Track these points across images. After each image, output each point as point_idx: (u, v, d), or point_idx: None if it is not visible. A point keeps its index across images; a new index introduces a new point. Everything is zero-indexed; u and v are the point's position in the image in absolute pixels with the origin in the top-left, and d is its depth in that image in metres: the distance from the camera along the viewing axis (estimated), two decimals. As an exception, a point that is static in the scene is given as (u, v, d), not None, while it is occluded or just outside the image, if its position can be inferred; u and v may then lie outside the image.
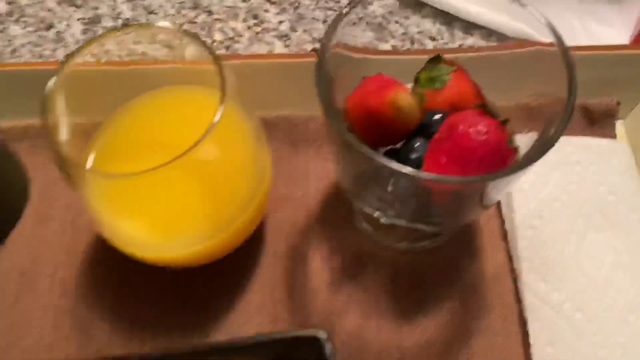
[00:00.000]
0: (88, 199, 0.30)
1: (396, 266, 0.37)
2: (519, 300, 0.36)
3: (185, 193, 0.31)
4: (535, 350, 0.34)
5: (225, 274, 0.37)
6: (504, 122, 0.29)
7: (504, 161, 0.28)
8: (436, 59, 0.33)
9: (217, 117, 0.28)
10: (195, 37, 0.29)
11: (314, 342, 0.28)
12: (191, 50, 0.30)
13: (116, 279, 0.37)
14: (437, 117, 0.31)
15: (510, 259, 0.37)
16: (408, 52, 0.41)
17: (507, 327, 0.35)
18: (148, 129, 0.33)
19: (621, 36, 0.45)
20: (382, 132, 0.31)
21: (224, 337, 0.35)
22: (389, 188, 0.28)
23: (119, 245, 0.32)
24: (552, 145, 0.26)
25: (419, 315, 0.36)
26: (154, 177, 0.27)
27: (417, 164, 0.31)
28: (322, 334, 0.27)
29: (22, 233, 0.39)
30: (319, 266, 0.37)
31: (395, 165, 0.25)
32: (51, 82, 0.29)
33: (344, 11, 0.31)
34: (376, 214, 0.32)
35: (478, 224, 0.38)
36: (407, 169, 0.25)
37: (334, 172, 0.40)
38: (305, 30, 0.49)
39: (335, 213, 0.39)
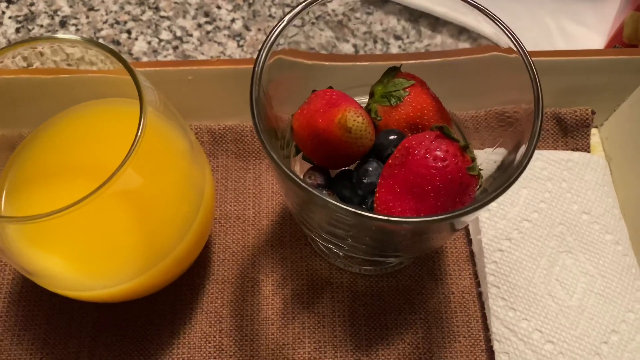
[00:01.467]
0: (4, 240, 0.27)
1: (354, 291, 0.34)
2: (486, 327, 0.33)
3: (111, 226, 0.27)
4: (502, 384, 0.31)
5: (166, 303, 0.34)
6: (465, 148, 0.26)
7: (465, 191, 0.25)
8: (392, 71, 0.30)
9: (137, 139, 0.24)
10: (105, 48, 0.26)
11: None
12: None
13: (45, 314, 0.33)
14: (392, 137, 0.28)
15: (477, 283, 0.34)
16: (365, 57, 0.38)
17: (473, 358, 0.33)
18: (69, 150, 0.29)
19: (597, 36, 0.42)
20: (332, 154, 0.28)
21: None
22: (338, 225, 0.25)
23: (46, 287, 0.29)
24: (517, 179, 0.23)
25: (379, 346, 0.33)
26: (74, 213, 0.24)
27: (370, 189, 0.28)
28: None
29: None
30: (271, 293, 0.34)
31: (337, 204, 0.22)
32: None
33: (287, 16, 0.28)
34: (329, 246, 0.29)
35: (443, 245, 0.36)
36: (352, 208, 0.22)
37: (289, 187, 0.37)
38: (260, 30, 0.45)
39: (290, 234, 0.36)
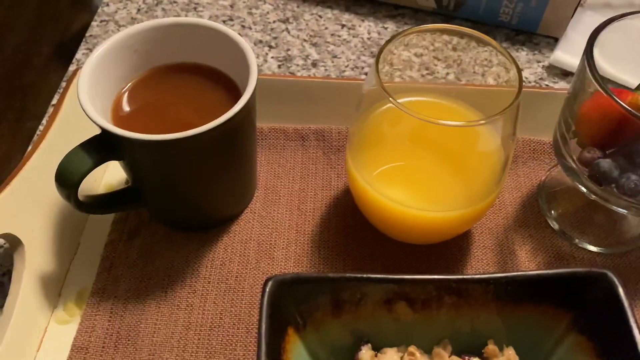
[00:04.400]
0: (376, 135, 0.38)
1: (594, 265, 0.42)
2: None
3: (456, 161, 0.37)
4: None
5: (443, 257, 0.41)
6: None
7: None
8: (646, 82, 0.40)
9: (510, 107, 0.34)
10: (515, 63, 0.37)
11: (601, 281, 0.31)
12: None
13: (347, 253, 0.41)
14: (661, 120, 0.37)
15: (697, 266, 0.42)
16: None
17: None
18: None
19: None
20: (614, 131, 0.37)
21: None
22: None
23: (382, 197, 0.36)
24: None
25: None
26: (440, 132, 0.34)
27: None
28: (611, 274, 0.31)
29: (254, 211, 0.43)
30: (526, 262, 0.42)
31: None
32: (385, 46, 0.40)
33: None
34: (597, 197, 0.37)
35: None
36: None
37: (525, 186, 0.46)
38: (468, 80, 0.57)
39: (533, 218, 0.44)
